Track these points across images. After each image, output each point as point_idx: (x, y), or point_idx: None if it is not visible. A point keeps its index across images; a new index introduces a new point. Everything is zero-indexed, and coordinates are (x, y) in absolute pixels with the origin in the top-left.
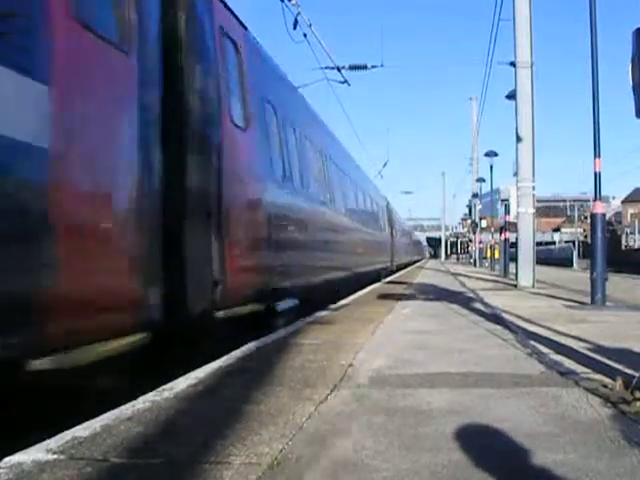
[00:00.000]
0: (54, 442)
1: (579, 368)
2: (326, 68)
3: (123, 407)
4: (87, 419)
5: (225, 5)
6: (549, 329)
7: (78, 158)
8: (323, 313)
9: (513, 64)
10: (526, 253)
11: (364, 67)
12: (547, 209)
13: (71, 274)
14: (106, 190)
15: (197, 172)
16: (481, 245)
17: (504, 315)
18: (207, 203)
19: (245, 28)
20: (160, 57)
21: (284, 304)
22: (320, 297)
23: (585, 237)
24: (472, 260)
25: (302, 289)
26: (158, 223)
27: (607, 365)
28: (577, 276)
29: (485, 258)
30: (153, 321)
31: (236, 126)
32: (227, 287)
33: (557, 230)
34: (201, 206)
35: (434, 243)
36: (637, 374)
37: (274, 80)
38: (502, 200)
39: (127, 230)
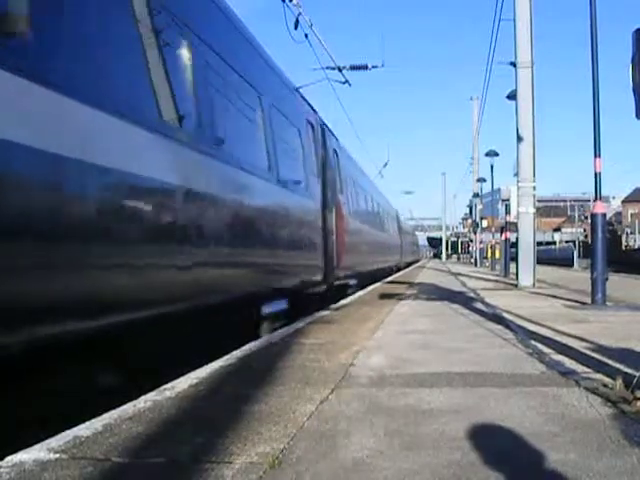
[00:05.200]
0: (56, 441)
1: (579, 368)
2: (327, 68)
3: (124, 406)
4: (89, 418)
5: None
6: (550, 329)
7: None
8: (324, 313)
9: (513, 64)
10: (527, 253)
11: (365, 67)
12: (548, 209)
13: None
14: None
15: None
16: (482, 245)
17: (505, 315)
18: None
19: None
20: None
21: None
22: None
23: (585, 237)
24: (473, 260)
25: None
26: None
27: (607, 365)
28: (577, 276)
29: (486, 258)
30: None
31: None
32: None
33: (557, 230)
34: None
35: (435, 243)
36: (637, 373)
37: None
38: (503, 200)
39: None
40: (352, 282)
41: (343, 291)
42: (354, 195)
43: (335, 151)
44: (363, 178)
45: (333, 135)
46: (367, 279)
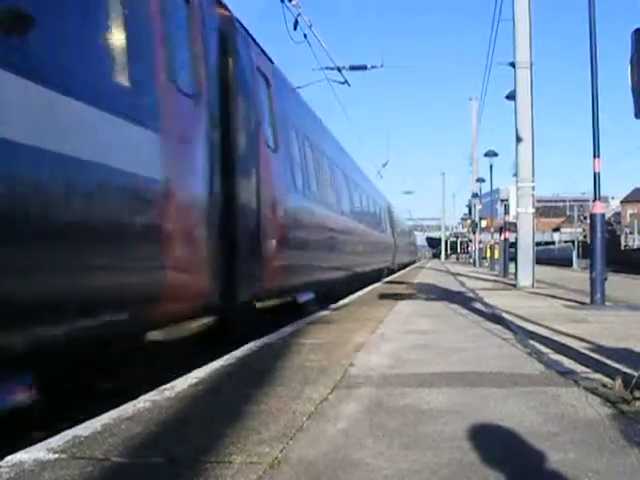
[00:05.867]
0: (55, 441)
1: (578, 367)
2: (326, 69)
3: (124, 406)
4: (88, 418)
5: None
6: (548, 329)
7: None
8: (323, 313)
9: (512, 65)
10: (526, 253)
11: (364, 67)
12: (547, 209)
13: None
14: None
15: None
16: (481, 245)
17: (504, 315)
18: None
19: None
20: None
21: None
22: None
23: (584, 237)
24: (472, 260)
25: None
26: None
27: (606, 365)
28: (576, 276)
29: (485, 258)
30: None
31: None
32: None
33: (557, 230)
34: None
35: (434, 243)
36: (636, 373)
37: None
38: (502, 200)
39: None
40: (306, 297)
41: (288, 312)
42: (311, 164)
43: (264, 76)
44: (334, 149)
45: (259, 47)
46: (338, 288)
